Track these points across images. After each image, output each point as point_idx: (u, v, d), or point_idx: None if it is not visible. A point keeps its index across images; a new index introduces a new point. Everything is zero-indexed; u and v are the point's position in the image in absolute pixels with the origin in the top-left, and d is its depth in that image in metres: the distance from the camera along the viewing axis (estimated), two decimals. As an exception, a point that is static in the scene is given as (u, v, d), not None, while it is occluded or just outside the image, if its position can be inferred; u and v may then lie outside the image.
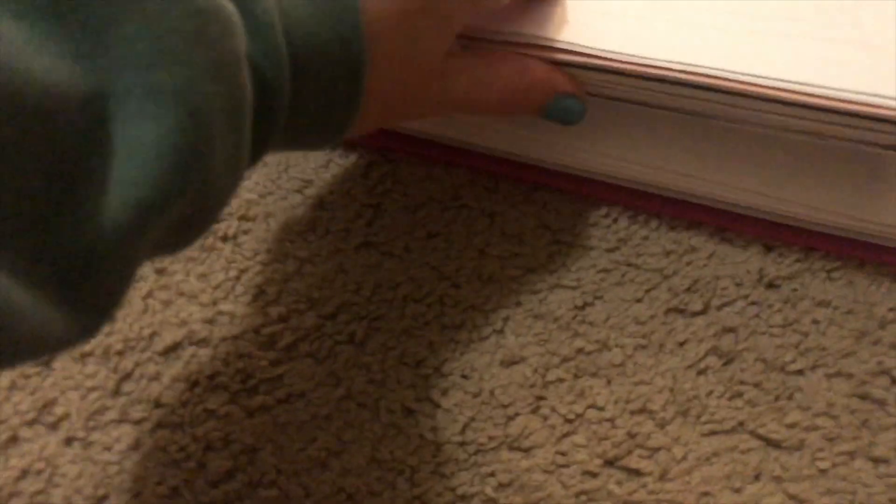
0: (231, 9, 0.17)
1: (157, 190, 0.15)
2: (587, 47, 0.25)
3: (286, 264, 0.29)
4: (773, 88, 0.23)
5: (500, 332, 0.27)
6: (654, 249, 0.29)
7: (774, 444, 0.25)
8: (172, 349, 0.27)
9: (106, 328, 0.28)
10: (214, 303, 0.28)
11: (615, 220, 0.29)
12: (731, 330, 0.27)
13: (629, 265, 0.28)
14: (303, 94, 0.19)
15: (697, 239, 0.29)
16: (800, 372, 0.26)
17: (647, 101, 0.26)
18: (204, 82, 0.15)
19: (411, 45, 0.22)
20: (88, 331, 0.16)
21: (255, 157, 0.19)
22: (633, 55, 0.24)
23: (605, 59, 0.25)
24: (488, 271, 0.28)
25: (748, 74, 0.24)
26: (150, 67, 0.15)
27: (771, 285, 0.28)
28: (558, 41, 0.25)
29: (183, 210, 0.16)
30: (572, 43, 0.25)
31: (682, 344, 0.27)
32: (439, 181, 0.30)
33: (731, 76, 0.24)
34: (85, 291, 0.15)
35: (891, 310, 0.27)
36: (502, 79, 0.25)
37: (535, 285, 0.28)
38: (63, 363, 0.28)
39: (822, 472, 0.25)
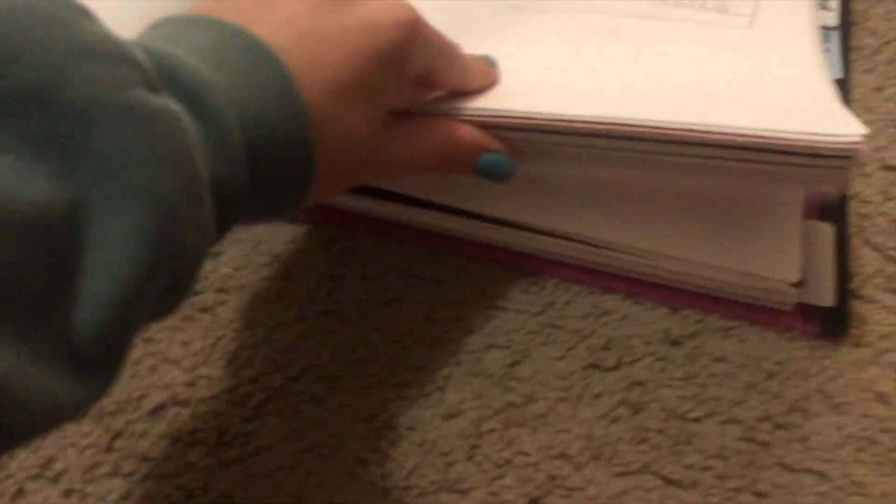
0: (177, 108, 0.19)
1: (138, 266, 0.18)
2: (502, 110, 0.29)
3: (257, 331, 0.33)
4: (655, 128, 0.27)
5: (442, 388, 0.32)
6: (574, 312, 0.33)
7: (674, 483, 0.29)
8: (158, 409, 0.31)
9: (100, 391, 0.32)
10: (194, 367, 0.32)
11: (542, 288, 0.34)
12: (639, 383, 0.31)
13: (553, 327, 0.33)
14: (260, 178, 0.22)
15: (612, 302, 0.33)
16: (697, 419, 0.31)
17: (565, 156, 0.30)
18: (161, 174, 0.18)
19: (350, 116, 0.25)
20: (100, 394, 0.18)
21: (223, 230, 0.22)
22: (538, 112, 0.28)
23: (518, 118, 0.29)
24: (433, 335, 0.33)
25: (638, 119, 0.27)
26: (118, 172, 0.17)
27: (675, 343, 0.32)
28: (481, 108, 0.29)
29: (163, 282, 0.19)
30: (493, 109, 0.29)
31: (597, 396, 0.31)
32: (392, 254, 0.35)
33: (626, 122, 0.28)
34: (90, 367, 0.18)
35: (776, 363, 0.32)
36: (436, 140, 0.28)
37: (473, 346, 0.33)
38: (62, 423, 0.32)
39: (714, 506, 0.29)
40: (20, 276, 0.16)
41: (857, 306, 0.33)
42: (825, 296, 0.32)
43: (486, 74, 0.30)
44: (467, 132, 0.29)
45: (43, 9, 0.18)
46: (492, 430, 0.31)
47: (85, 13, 0.19)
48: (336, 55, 0.24)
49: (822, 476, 0.29)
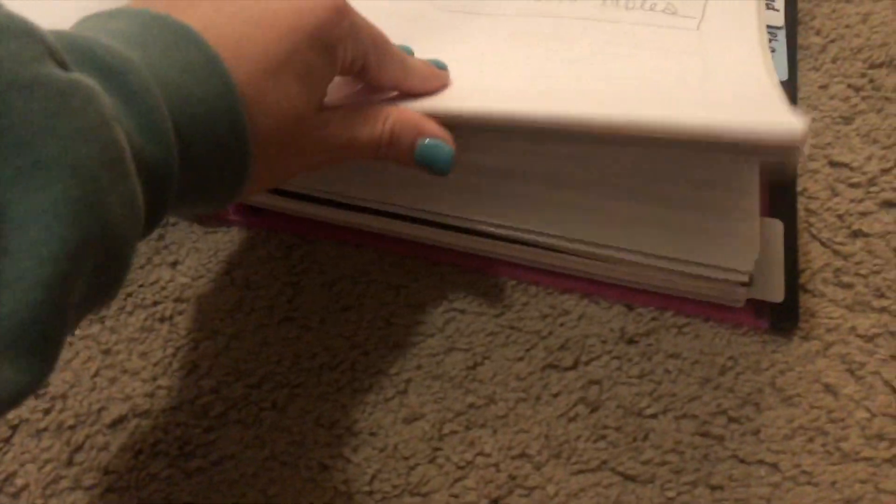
0: (90, 83, 0.19)
1: (64, 243, 0.17)
2: (443, 107, 0.29)
3: (216, 341, 0.33)
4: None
5: (404, 392, 0.32)
6: (533, 314, 0.33)
7: (631, 479, 0.30)
8: (119, 422, 0.31)
9: (58, 406, 0.32)
10: (154, 378, 0.32)
11: (500, 290, 0.34)
12: (596, 382, 0.32)
13: (512, 328, 0.33)
14: (191, 155, 0.22)
15: (569, 303, 0.34)
16: (653, 416, 0.31)
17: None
18: (77, 145, 0.18)
19: (282, 95, 0.24)
20: (37, 381, 0.18)
21: (158, 213, 0.22)
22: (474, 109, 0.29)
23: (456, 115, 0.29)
24: (394, 339, 0.33)
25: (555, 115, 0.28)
26: (30, 146, 0.17)
27: (630, 341, 0.33)
28: (422, 105, 0.29)
29: (93, 260, 0.18)
30: (433, 106, 0.29)
31: (555, 395, 0.32)
32: (351, 260, 0.35)
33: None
34: (23, 353, 0.17)
35: (729, 358, 0.32)
36: (373, 122, 0.28)
37: (434, 349, 0.33)
38: (21, 439, 0.32)
39: (670, 499, 0.30)
40: None
41: (806, 300, 0.34)
42: (775, 291, 0.33)
43: (433, 77, 0.30)
44: (410, 114, 0.29)
45: None
46: (453, 433, 0.31)
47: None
48: (264, 34, 0.24)
49: (773, 467, 0.30)
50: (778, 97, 0.30)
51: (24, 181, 0.17)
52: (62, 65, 0.19)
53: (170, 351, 0.33)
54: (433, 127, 0.29)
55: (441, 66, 0.31)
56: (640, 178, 0.33)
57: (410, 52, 0.32)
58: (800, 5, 0.42)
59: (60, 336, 0.18)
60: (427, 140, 0.29)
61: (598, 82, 0.33)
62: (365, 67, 0.28)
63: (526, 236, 0.33)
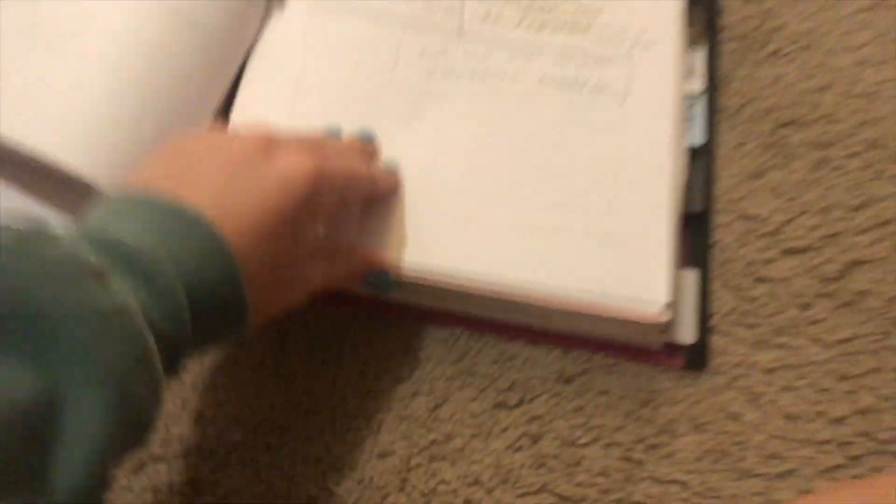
0: (126, 296, 0.24)
1: (107, 433, 0.23)
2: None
3: (218, 393, 0.39)
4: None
5: (376, 432, 0.38)
6: (485, 359, 0.40)
7: (566, 499, 0.36)
8: (140, 467, 0.38)
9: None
10: (167, 428, 0.38)
11: (457, 339, 0.40)
12: (538, 417, 0.38)
13: (467, 373, 0.39)
14: (201, 321, 0.27)
15: (515, 348, 0.40)
16: (585, 444, 0.37)
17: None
18: (121, 357, 0.23)
19: (274, 255, 0.30)
20: None
21: (173, 372, 0.28)
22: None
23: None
24: (367, 386, 0.39)
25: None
26: (81, 363, 0.22)
27: (567, 381, 0.39)
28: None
29: (127, 436, 0.24)
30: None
31: (504, 430, 0.38)
32: (329, 319, 0.41)
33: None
34: None
35: (650, 393, 0.38)
36: (343, 264, 0.36)
37: (401, 394, 0.39)
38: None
39: (598, 515, 0.36)
40: (7, 454, 0.21)
41: (716, 340, 0.40)
42: (688, 334, 0.39)
43: (391, 181, 0.37)
44: (364, 258, 0.37)
45: (11, 241, 0.23)
46: (419, 465, 0.37)
47: (48, 239, 0.24)
48: (257, 211, 0.29)
49: (684, 485, 0.36)
50: (661, 257, 0.38)
51: (78, 387, 0.22)
52: (106, 282, 0.24)
53: (179, 403, 0.39)
54: (382, 261, 0.37)
55: (394, 171, 0.38)
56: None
57: (372, 138, 0.39)
58: (720, 71, 0.47)
59: (104, 492, 0.24)
60: (377, 272, 0.37)
61: (526, 183, 0.40)
62: (343, 202, 0.34)
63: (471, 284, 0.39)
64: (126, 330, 0.24)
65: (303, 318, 0.41)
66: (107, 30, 0.38)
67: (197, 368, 0.40)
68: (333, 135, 0.39)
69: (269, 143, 0.31)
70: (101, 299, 0.24)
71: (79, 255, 0.24)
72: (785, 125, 0.45)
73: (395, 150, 0.40)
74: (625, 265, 0.38)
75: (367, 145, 0.39)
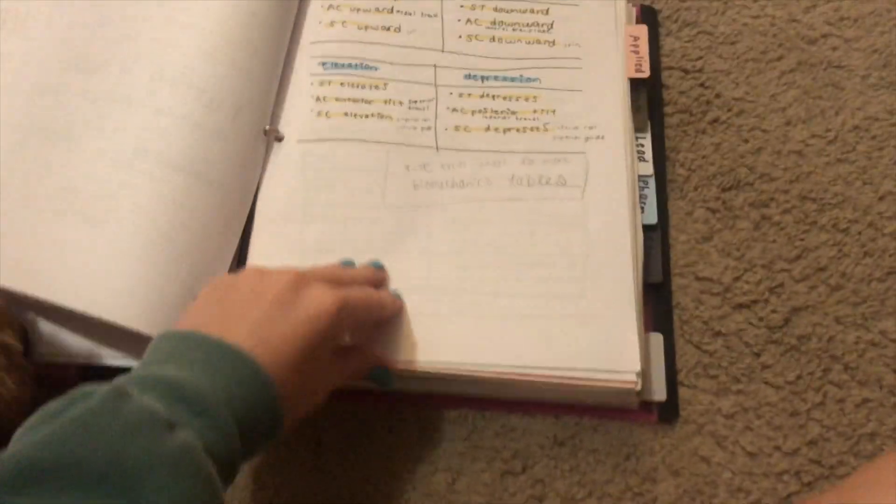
0: (193, 440, 0.30)
1: None
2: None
3: (265, 491, 0.46)
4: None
5: (406, 508, 0.45)
6: (490, 433, 0.46)
7: (571, 548, 0.43)
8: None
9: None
10: (229, 525, 0.45)
11: (465, 418, 0.47)
12: (540, 480, 0.45)
13: (476, 447, 0.46)
14: (247, 441, 0.34)
15: (514, 421, 0.46)
16: (582, 499, 0.44)
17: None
18: (192, 496, 0.29)
19: (303, 377, 0.36)
20: None
21: (228, 485, 0.33)
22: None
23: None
24: (393, 469, 0.46)
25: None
26: (165, 498, 0.28)
27: (561, 444, 0.46)
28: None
29: None
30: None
31: (512, 495, 0.45)
32: (357, 415, 0.48)
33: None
34: None
35: (632, 447, 0.45)
36: (353, 367, 0.42)
37: (423, 472, 0.46)
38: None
39: (599, 559, 0.43)
40: None
41: (684, 392, 0.46)
42: (660, 391, 0.46)
43: (396, 305, 0.44)
44: (368, 359, 0.44)
45: (98, 403, 0.29)
46: (444, 533, 0.44)
47: (125, 397, 0.30)
48: (289, 341, 0.36)
49: (668, 525, 0.43)
50: (628, 329, 0.45)
51: None
52: (172, 425, 0.31)
53: (234, 502, 0.46)
54: (381, 361, 0.44)
55: (397, 296, 0.45)
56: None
57: (381, 266, 0.45)
58: (667, 143, 0.54)
59: None
60: (378, 370, 0.44)
61: (503, 280, 0.47)
62: (361, 326, 0.41)
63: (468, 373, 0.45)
64: (193, 465, 0.30)
65: (334, 417, 0.48)
66: (139, 194, 0.45)
67: (245, 468, 0.47)
68: (348, 265, 0.46)
69: (297, 282, 0.38)
70: (171, 444, 0.30)
71: (151, 408, 0.30)
72: (727, 189, 0.52)
73: (394, 262, 0.47)
74: (600, 342, 0.45)
75: (378, 272, 0.45)
